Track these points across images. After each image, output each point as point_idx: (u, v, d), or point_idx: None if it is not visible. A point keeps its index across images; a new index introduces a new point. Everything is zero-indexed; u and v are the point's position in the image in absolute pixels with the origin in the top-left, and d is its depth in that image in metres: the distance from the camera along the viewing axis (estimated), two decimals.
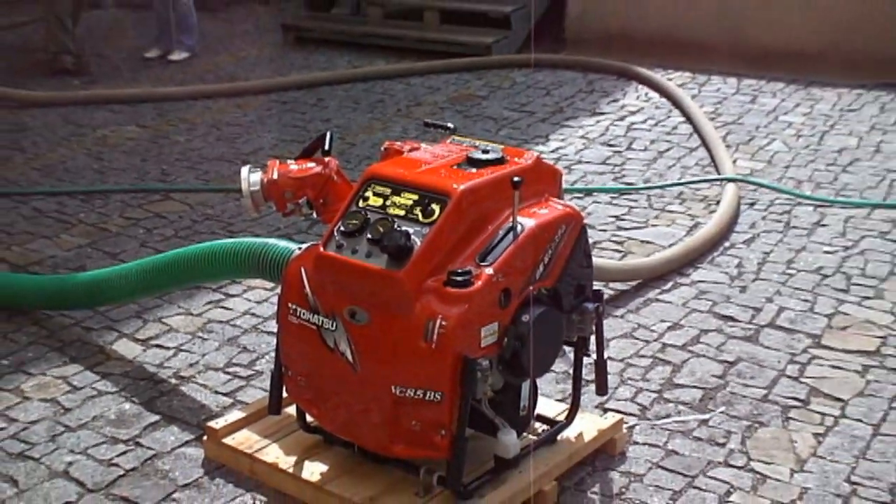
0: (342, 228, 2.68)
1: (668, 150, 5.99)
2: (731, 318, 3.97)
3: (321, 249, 2.68)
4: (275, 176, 2.82)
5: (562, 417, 3.06)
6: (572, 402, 3.03)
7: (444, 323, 2.52)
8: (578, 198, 5.24)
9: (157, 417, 3.28)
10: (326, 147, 2.86)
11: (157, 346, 3.74)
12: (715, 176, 5.47)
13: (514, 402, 2.81)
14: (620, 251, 4.62)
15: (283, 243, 3.13)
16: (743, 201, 5.14)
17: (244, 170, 2.88)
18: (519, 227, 2.66)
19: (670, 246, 4.65)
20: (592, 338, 2.95)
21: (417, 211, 2.63)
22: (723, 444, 3.17)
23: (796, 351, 3.73)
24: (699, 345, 3.77)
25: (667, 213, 5.06)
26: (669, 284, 4.27)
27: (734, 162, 5.69)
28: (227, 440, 2.99)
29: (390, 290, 2.57)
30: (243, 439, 2.99)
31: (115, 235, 4.75)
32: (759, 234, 4.79)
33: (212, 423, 3.04)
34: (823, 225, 4.90)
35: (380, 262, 2.59)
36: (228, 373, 3.56)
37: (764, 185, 5.35)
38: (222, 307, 4.04)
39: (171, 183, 5.46)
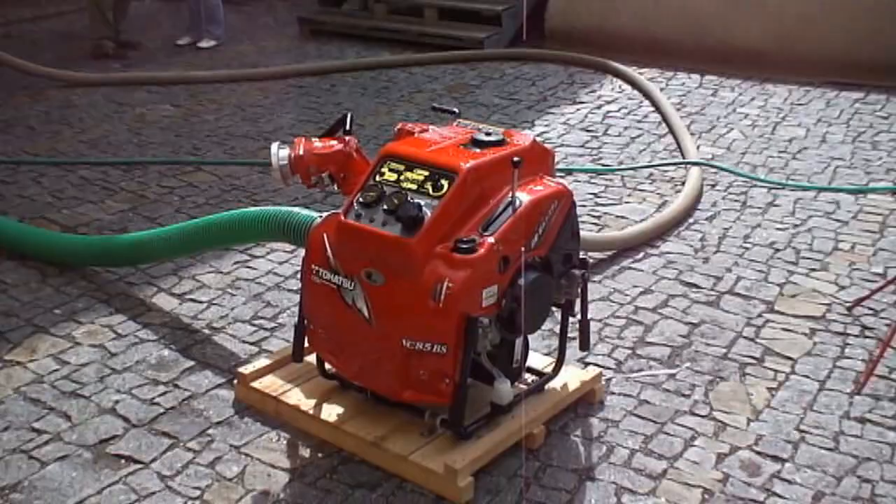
0: (361, 200, 2.65)
1: (639, 136, 5.95)
2: (695, 286, 3.96)
3: (342, 218, 2.66)
4: (301, 152, 2.80)
5: (549, 370, 3.06)
6: (558, 357, 3.03)
7: (450, 285, 2.51)
8: (561, 176, 5.19)
9: (192, 363, 3.26)
10: (347, 127, 2.83)
11: (192, 300, 3.72)
12: (681, 160, 5.45)
13: (508, 355, 2.80)
14: (598, 224, 4.60)
15: (304, 212, 3.10)
16: (705, 183, 5.13)
17: (273, 146, 2.85)
18: (517, 202, 2.64)
19: (642, 221, 4.64)
20: (577, 301, 2.95)
21: (428, 186, 2.61)
22: (688, 396, 3.17)
23: (752, 315, 3.73)
24: (667, 308, 3.77)
25: (638, 191, 5.04)
26: (641, 255, 4.26)
27: (698, 148, 5.67)
28: (255, 384, 2.98)
29: (403, 255, 2.56)
30: (269, 383, 2.98)
31: (153, 202, 4.71)
32: (719, 212, 4.78)
33: (241, 369, 3.03)
34: (776, 205, 4.89)
35: (394, 230, 2.57)
36: (254, 324, 3.54)
37: (724, 169, 5.33)
38: (248, 267, 4.01)
39: (201, 157, 5.42)
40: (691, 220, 4.66)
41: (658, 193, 5.02)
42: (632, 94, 6.79)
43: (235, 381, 3.05)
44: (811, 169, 5.41)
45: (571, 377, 3.06)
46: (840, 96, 6.75)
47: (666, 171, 5.34)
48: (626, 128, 6.10)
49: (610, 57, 7.46)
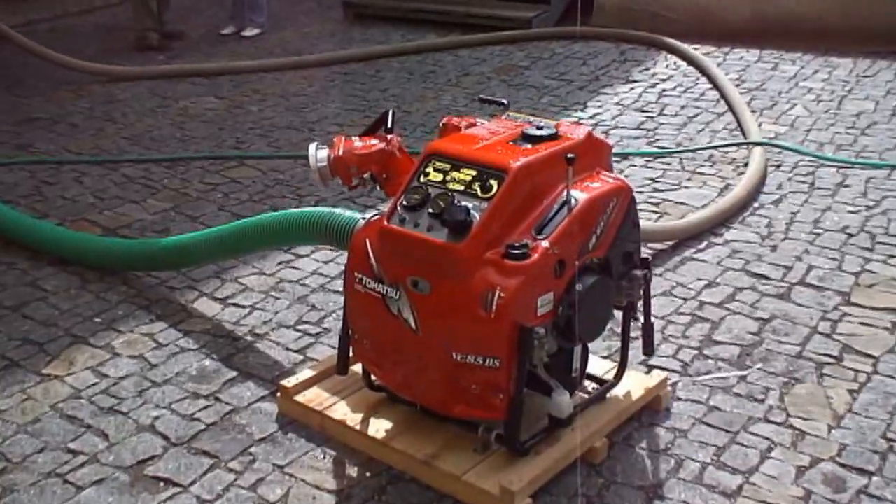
0: (404, 203, 2.46)
1: (697, 115, 5.67)
2: (764, 277, 3.71)
3: (385, 223, 2.46)
4: (340, 152, 2.60)
5: (610, 376, 2.84)
6: (620, 362, 2.81)
7: (502, 294, 2.30)
8: (616, 161, 4.95)
9: (234, 373, 3.10)
10: (389, 125, 2.63)
11: (234, 304, 3.56)
12: (742, 140, 5.16)
13: (566, 364, 2.59)
14: (657, 212, 4.35)
15: (348, 213, 2.91)
16: (769, 164, 4.84)
17: (312, 147, 2.66)
18: (573, 201, 2.42)
19: (703, 207, 4.38)
20: (640, 302, 2.73)
21: (476, 186, 2.40)
22: (762, 401, 2.93)
23: (827, 308, 3.47)
24: (735, 302, 3.52)
25: (698, 175, 4.78)
26: (704, 244, 4.01)
27: (759, 126, 5.38)
28: (299, 397, 2.81)
29: (451, 262, 2.35)
30: (313, 396, 2.81)
31: (196, 199, 4.56)
32: (785, 195, 4.50)
33: (284, 382, 2.86)
34: (846, 186, 4.59)
35: (441, 235, 2.37)
36: (299, 330, 3.37)
37: (789, 148, 5.03)
38: (292, 267, 3.85)
39: (245, 150, 5.26)
40: (756, 205, 4.38)
41: (719, 176, 4.75)
42: (688, 71, 6.49)
43: (278, 394, 2.88)
44: (882, 145, 5.09)
45: (635, 384, 2.84)
46: None
47: (727, 152, 5.06)
48: (682, 107, 5.82)
49: (663, 33, 7.16)
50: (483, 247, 2.35)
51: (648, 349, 2.81)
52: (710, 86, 6.16)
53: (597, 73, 6.55)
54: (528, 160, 2.41)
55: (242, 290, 3.67)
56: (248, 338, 3.32)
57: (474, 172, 2.43)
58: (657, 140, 5.27)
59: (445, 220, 2.35)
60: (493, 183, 2.38)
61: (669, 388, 2.93)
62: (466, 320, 2.35)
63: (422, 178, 2.49)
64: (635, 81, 6.34)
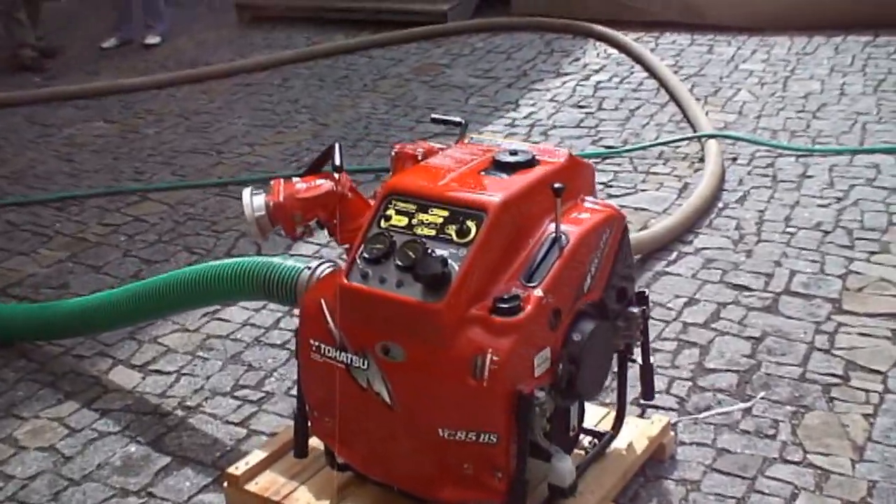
0: (365, 255, 2.16)
1: (638, 107, 5.50)
2: (745, 288, 3.52)
3: (344, 280, 2.17)
4: (281, 198, 2.29)
5: (605, 425, 2.60)
6: (618, 412, 2.57)
7: (494, 357, 2.03)
8: None
9: (167, 459, 2.76)
10: (337, 162, 2.33)
11: (156, 371, 3.21)
12: (693, 133, 4.99)
13: (564, 424, 2.34)
14: None
15: (287, 263, 2.60)
16: (725, 157, 4.68)
17: (245, 193, 2.34)
18: (563, 239, 2.17)
19: (665, 212, 4.19)
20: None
21: (450, 230, 2.12)
22: (773, 436, 2.73)
23: (820, 318, 3.30)
24: (721, 321, 3.32)
25: (653, 175, 4.59)
26: (674, 255, 3.81)
27: (706, 114, 5.23)
28: (250, 486, 2.49)
29: (429, 323, 2.07)
30: (268, 484, 2.49)
31: (96, 245, 4.17)
32: (748, 191, 4.34)
33: (231, 469, 2.53)
34: (809, 176, 4.46)
35: (413, 291, 2.08)
36: (237, 397, 3.04)
37: (745, 140, 4.88)
38: (219, 319, 3.50)
39: (146, 182, 4.87)
40: (720, 205, 4.21)
41: (675, 175, 4.57)
42: (620, 59, 6.32)
43: (225, 483, 2.56)
44: (837, 128, 4.99)
45: (635, 433, 2.61)
46: (848, 40, 6.33)
47: (678, 146, 4.90)
48: (622, 99, 5.64)
49: (584, 20, 6.99)
50: (466, 302, 2.07)
51: (649, 394, 2.58)
52: (646, 74, 6.00)
53: (524, 68, 6.32)
54: (508, 194, 2.15)
55: (164, 352, 3.31)
56: (179, 412, 2.98)
57: (446, 213, 2.15)
58: (602, 139, 5.08)
59: (418, 273, 2.06)
60: (471, 225, 2.11)
61: (672, 434, 2.71)
62: (453, 391, 2.07)
63: (383, 223, 2.20)
64: (567, 74, 6.14)
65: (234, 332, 3.41)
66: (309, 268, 2.54)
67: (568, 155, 2.35)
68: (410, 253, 2.12)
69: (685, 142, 4.91)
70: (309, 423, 2.39)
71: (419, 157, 2.48)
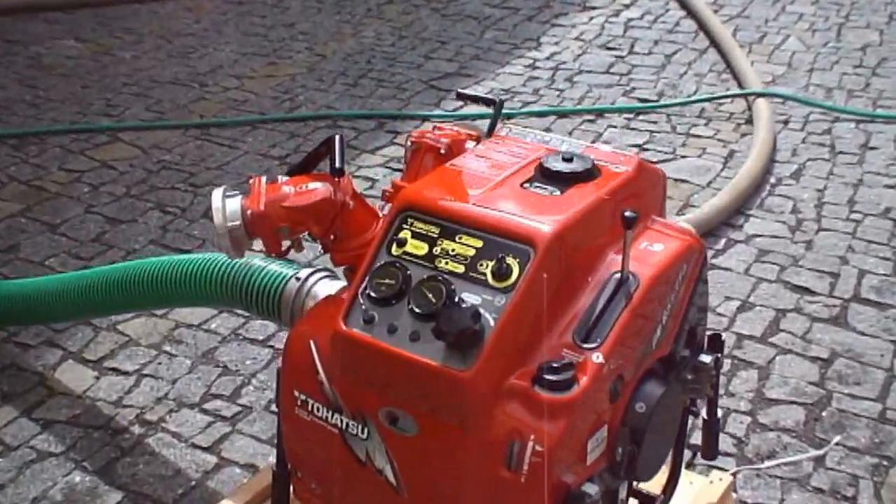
0: (371, 293, 1.65)
1: (674, 53, 4.93)
2: (808, 290, 3.03)
3: (342, 325, 1.66)
4: (262, 206, 1.76)
5: (655, 486, 2.13)
6: (671, 471, 2.09)
7: (537, 447, 1.54)
8: (590, 120, 4.20)
9: (118, 495, 2.28)
10: (337, 163, 1.79)
11: (113, 369, 2.72)
12: (740, 90, 4.43)
13: (612, 500, 1.86)
14: None
15: (272, 266, 2.10)
16: (775, 120, 4.15)
17: (216, 195, 1.80)
18: (631, 283, 1.66)
19: (709, 185, 3.68)
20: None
21: (485, 268, 1.60)
22: (853, 499, 2.27)
23: None
24: (781, 334, 2.83)
25: (693, 137, 4.05)
26: (722, 242, 3.31)
27: (752, 64, 4.66)
28: None
29: (452, 394, 1.57)
30: None
31: (55, 197, 3.63)
32: (804, 164, 3.82)
33: None
34: (872, 148, 3.94)
35: (433, 350, 1.57)
36: (208, 411, 2.56)
37: (798, 100, 4.33)
38: None
39: (118, 119, 4.31)
40: (773, 180, 3.70)
41: (719, 139, 4.04)
42: None
43: None
44: None
45: (690, 496, 2.14)
46: None
47: (721, 103, 4.35)
48: (655, 42, 5.06)
49: None
50: (502, 369, 1.57)
51: (712, 453, 2.10)
52: (683, 13, 5.41)
53: None
54: (563, 223, 1.62)
55: (124, 343, 2.82)
56: (136, 428, 2.50)
57: (479, 243, 1.63)
58: (634, 89, 4.52)
59: (442, 329, 1.55)
60: (512, 263, 1.59)
61: (734, 496, 2.24)
62: (480, 482, 1.58)
63: (395, 250, 1.68)
64: (594, 8, 5.54)
65: (208, 321, 2.91)
66: (298, 278, 2.04)
67: (637, 163, 1.82)
68: (431, 297, 1.60)
69: (730, 99, 4.36)
70: (291, 484, 1.92)
71: (442, 151, 1.95)
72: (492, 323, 1.56)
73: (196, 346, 2.80)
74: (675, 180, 3.69)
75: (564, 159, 1.78)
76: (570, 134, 4.06)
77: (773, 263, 3.17)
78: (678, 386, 1.82)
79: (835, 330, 2.84)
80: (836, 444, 2.42)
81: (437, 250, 1.65)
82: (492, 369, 1.55)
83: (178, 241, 3.32)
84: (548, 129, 4.09)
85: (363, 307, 1.65)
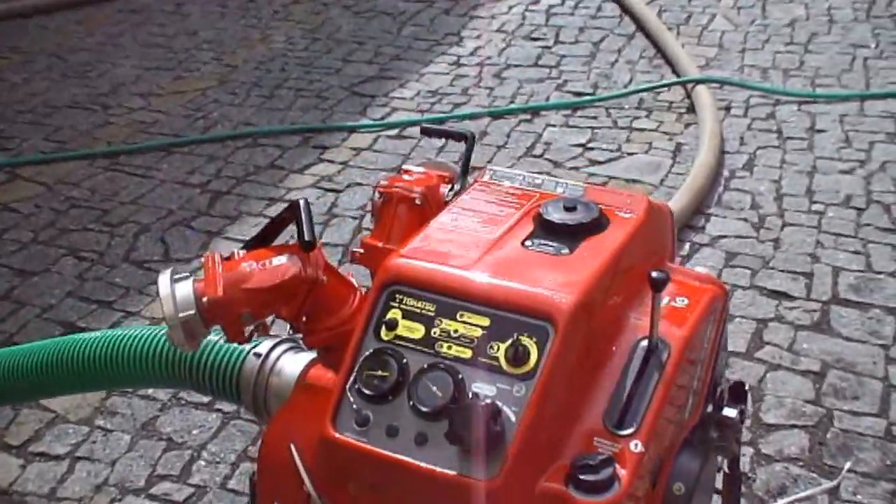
0: (362, 388, 1.39)
1: (602, 39, 4.74)
2: (785, 295, 2.87)
3: (331, 431, 1.39)
4: (219, 290, 1.49)
5: None
6: None
7: None
8: (527, 119, 3.98)
9: None
10: (306, 234, 1.51)
11: (41, 454, 2.39)
12: (677, 77, 4.27)
13: None
14: None
15: (226, 344, 1.82)
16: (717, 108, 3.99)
17: (163, 281, 1.51)
18: (662, 352, 1.44)
19: (662, 183, 3.50)
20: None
21: (497, 351, 1.36)
22: None
23: (886, 339, 2.67)
24: (766, 347, 2.66)
25: (637, 131, 3.87)
26: (687, 247, 3.13)
27: (682, 47, 4.51)
28: None
29: None
30: None
31: None
32: (754, 153, 3.67)
33: None
34: (819, 131, 3.81)
35: (447, 456, 1.32)
36: (155, 497, 2.25)
37: (736, 84, 4.19)
38: None
39: (15, 153, 3.92)
40: (727, 174, 3.54)
41: (664, 132, 3.86)
42: None
43: None
44: (835, 65, 4.34)
45: None
46: None
47: (658, 92, 4.18)
48: (581, 29, 4.87)
49: None
50: (533, 472, 1.33)
51: None
52: None
53: None
54: (583, 288, 1.38)
55: (51, 421, 2.49)
56: None
57: (485, 321, 1.38)
58: (567, 82, 4.31)
59: (458, 434, 1.31)
60: (529, 344, 1.35)
61: None
62: None
63: (385, 334, 1.42)
64: None
65: None
66: (257, 353, 1.77)
67: (646, 205, 1.59)
68: (435, 390, 1.35)
69: (667, 87, 4.19)
70: None
71: (418, 202, 1.70)
72: (513, 418, 1.32)
73: (133, 417, 2.49)
74: (627, 181, 3.50)
75: (566, 208, 1.54)
76: (509, 136, 3.84)
77: (744, 267, 3.00)
78: (711, 451, 1.61)
79: (821, 338, 2.68)
80: (848, 471, 2.25)
81: (435, 332, 1.40)
82: (521, 474, 1.31)
83: (98, 292, 2.99)
84: (483, 133, 3.86)
85: (354, 406, 1.39)
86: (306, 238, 1.47)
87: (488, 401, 1.31)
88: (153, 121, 4.11)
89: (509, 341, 1.35)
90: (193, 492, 2.26)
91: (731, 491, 1.87)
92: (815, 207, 3.29)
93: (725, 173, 3.52)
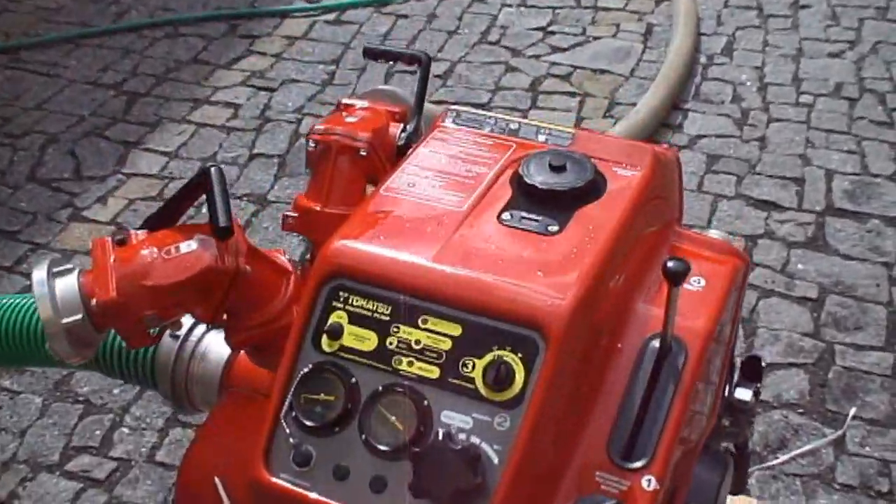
0: (300, 416, 1.09)
1: None
2: (774, 205, 2.60)
3: (264, 473, 1.10)
4: (113, 291, 1.15)
5: None
6: None
7: None
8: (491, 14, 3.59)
9: None
10: (221, 218, 1.15)
11: None
12: None
13: None
14: (575, 94, 3.09)
15: None
16: None
17: (38, 275, 1.16)
18: (677, 351, 1.15)
19: (633, 73, 3.17)
20: None
21: (471, 371, 1.06)
22: (888, 494, 1.90)
23: (888, 255, 2.43)
24: (757, 270, 2.41)
25: (603, 11, 3.51)
26: (664, 145, 2.82)
27: None
28: None
29: None
30: None
31: None
32: (734, 34, 3.34)
33: None
34: (804, 6, 3.48)
35: None
36: (73, 474, 1.96)
37: None
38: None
39: None
40: (704, 60, 3.21)
41: (632, 11, 3.51)
42: None
43: None
44: None
45: None
46: None
47: None
48: None
49: None
50: None
51: (741, 488, 1.67)
52: None
53: None
54: (581, 283, 1.07)
55: None
56: None
57: (456, 331, 1.08)
58: None
59: (422, 485, 1.02)
60: (513, 361, 1.05)
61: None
62: None
63: (326, 344, 1.10)
64: None
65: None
66: (174, 335, 1.46)
67: (651, 157, 1.27)
68: (394, 421, 1.06)
69: None
70: None
71: (363, 153, 1.37)
72: (495, 460, 1.03)
73: (45, 376, 2.18)
74: (594, 71, 3.17)
75: (553, 167, 1.22)
76: (460, 20, 3.46)
77: (728, 173, 2.72)
78: (726, 455, 1.36)
79: (817, 257, 2.43)
80: (853, 418, 2.03)
81: (392, 343, 1.10)
82: None
83: (0, 221, 2.63)
84: (432, 16, 3.46)
85: (291, 440, 1.09)
86: (221, 223, 1.13)
87: (463, 437, 1.03)
88: (58, 7, 3.64)
89: (488, 358, 1.06)
90: (116, 466, 1.98)
91: (739, 473, 1.64)
92: (802, 99, 3.00)
93: (703, 59, 3.20)
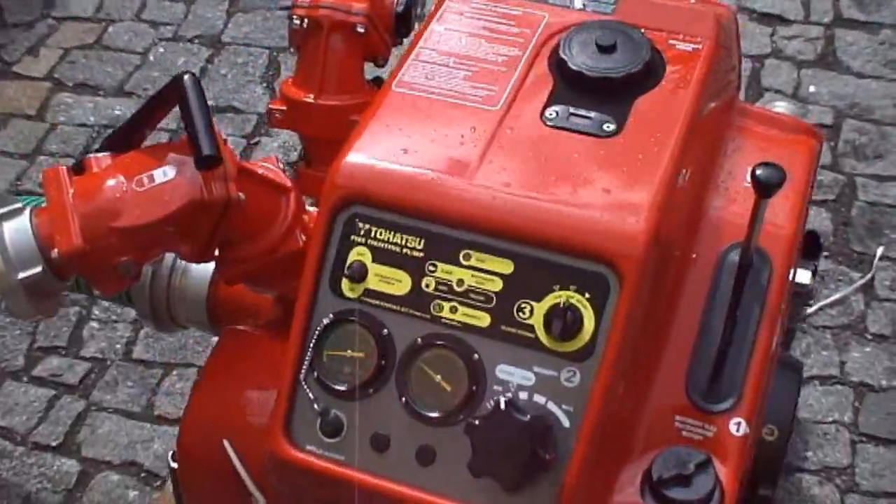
0: (323, 377, 0.92)
1: None
2: (780, 19, 2.36)
3: (287, 447, 0.93)
4: (77, 238, 0.92)
5: None
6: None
7: None
8: None
9: None
10: (204, 146, 0.89)
11: None
12: None
13: None
14: None
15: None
16: None
17: None
18: (760, 266, 0.98)
19: None
20: None
21: (529, 317, 0.88)
22: None
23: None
24: (767, 95, 2.20)
25: None
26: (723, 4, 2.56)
27: None
28: None
29: None
30: None
31: None
32: None
33: None
34: None
35: (469, 484, 0.89)
36: (42, 380, 1.77)
37: None
38: None
39: None
40: None
41: None
42: None
43: None
44: None
45: None
46: None
47: None
48: None
49: None
50: (599, 491, 0.92)
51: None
52: None
53: None
54: (656, 206, 0.88)
55: None
56: None
57: (508, 268, 0.89)
58: None
59: (483, 463, 0.86)
60: (582, 304, 0.87)
61: None
62: None
63: (347, 289, 0.92)
64: None
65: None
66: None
67: (714, 24, 1.05)
68: (442, 382, 0.89)
69: None
70: None
71: (360, 29, 1.13)
72: (566, 423, 0.88)
73: None
74: None
75: (601, 47, 1.00)
76: None
77: None
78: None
79: (829, 75, 2.23)
80: (881, 258, 1.90)
81: (428, 285, 0.92)
82: (579, 501, 0.89)
83: None
84: None
85: (316, 405, 0.93)
86: (205, 151, 0.90)
87: (525, 397, 0.87)
88: None
89: (549, 301, 0.89)
90: (90, 367, 1.80)
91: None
92: None
93: None
